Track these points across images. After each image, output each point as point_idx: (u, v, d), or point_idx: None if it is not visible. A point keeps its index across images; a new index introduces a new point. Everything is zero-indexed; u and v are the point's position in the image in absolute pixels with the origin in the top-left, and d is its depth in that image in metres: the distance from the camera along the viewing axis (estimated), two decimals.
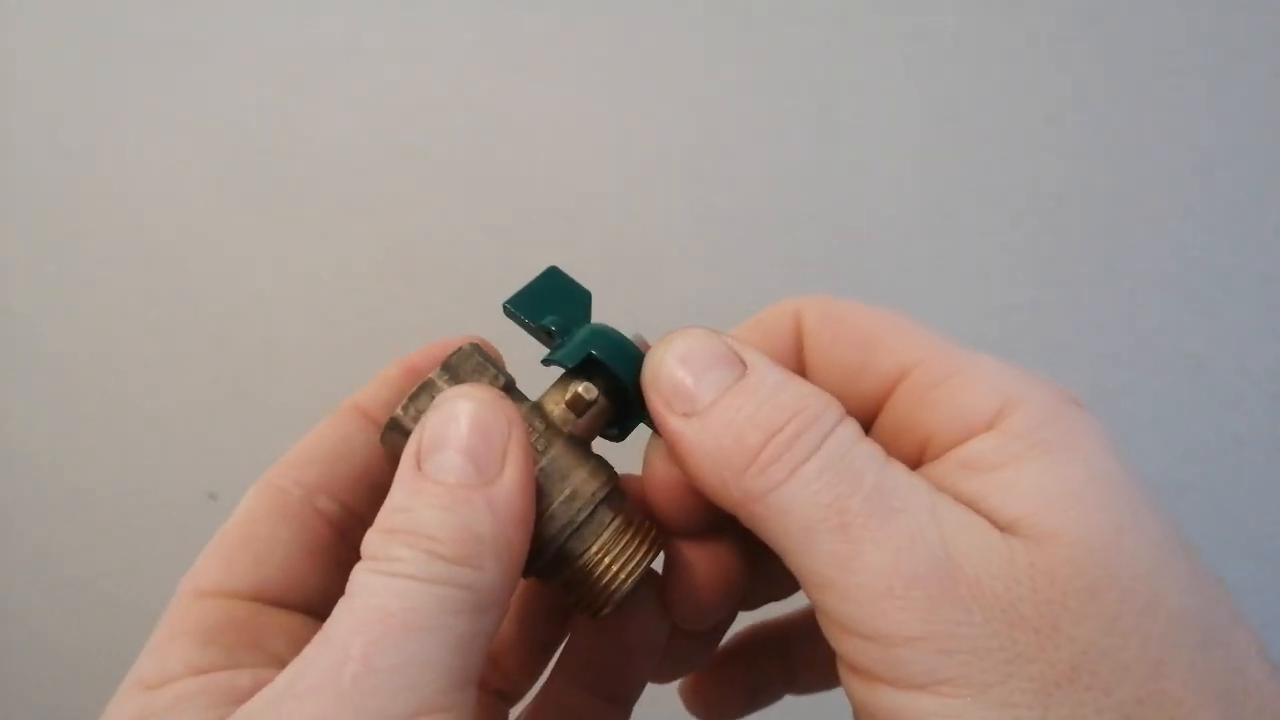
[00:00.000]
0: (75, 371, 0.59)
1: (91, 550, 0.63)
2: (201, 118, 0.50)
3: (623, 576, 0.23)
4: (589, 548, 0.22)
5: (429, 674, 0.17)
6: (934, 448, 0.20)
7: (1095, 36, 0.40)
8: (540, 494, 0.22)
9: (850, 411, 0.20)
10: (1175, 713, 0.16)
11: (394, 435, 0.22)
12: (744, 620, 0.28)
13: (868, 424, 0.21)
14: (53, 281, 0.57)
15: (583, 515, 0.22)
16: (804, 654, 0.28)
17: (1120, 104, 0.40)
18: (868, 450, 0.18)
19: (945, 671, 0.16)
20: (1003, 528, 0.17)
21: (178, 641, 0.19)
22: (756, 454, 0.19)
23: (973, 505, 0.18)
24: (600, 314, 0.24)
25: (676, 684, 0.28)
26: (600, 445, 0.23)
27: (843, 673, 0.18)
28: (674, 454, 0.21)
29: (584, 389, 0.22)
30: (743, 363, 0.20)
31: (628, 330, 0.23)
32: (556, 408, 0.23)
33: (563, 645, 0.26)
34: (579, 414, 0.23)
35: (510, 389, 0.22)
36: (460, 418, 0.19)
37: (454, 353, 0.22)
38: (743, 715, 0.29)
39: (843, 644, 0.18)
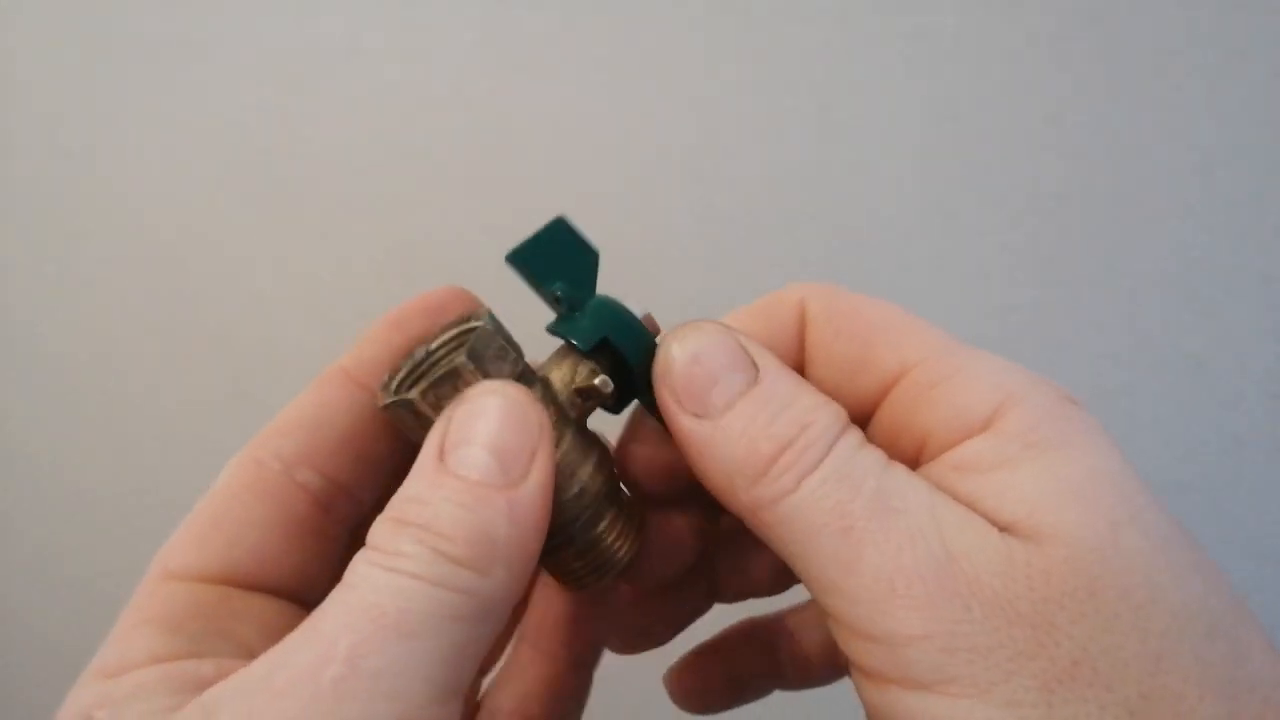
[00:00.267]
0: (75, 371, 0.59)
1: (91, 550, 0.63)
2: (201, 118, 0.51)
3: (618, 558, 0.23)
4: (589, 537, 0.22)
5: (414, 683, 0.16)
6: (931, 448, 0.20)
7: (1095, 36, 0.40)
8: (554, 489, 0.21)
9: (849, 406, 0.20)
10: (1178, 707, 0.16)
11: (404, 414, 0.21)
12: (730, 615, 0.28)
13: (866, 419, 0.22)
14: (53, 281, 0.57)
15: (588, 513, 0.22)
16: (790, 648, 0.28)
17: (1120, 104, 0.40)
18: (870, 456, 0.19)
19: (950, 670, 0.16)
20: (1001, 528, 0.17)
21: (141, 629, 0.18)
22: (769, 465, 0.19)
23: (970, 506, 0.18)
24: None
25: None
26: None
27: (855, 677, 0.18)
28: (682, 449, 0.20)
29: (600, 382, 0.22)
30: (755, 366, 0.20)
31: (635, 307, 0.22)
32: (565, 389, 0.22)
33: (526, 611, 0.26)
34: (586, 400, 0.22)
35: (526, 373, 0.21)
36: (491, 414, 0.19)
37: (475, 334, 0.20)
38: (728, 707, 0.28)
39: (852, 647, 0.18)
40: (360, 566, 0.17)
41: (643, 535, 0.23)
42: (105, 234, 0.55)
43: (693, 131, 0.44)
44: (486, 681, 0.26)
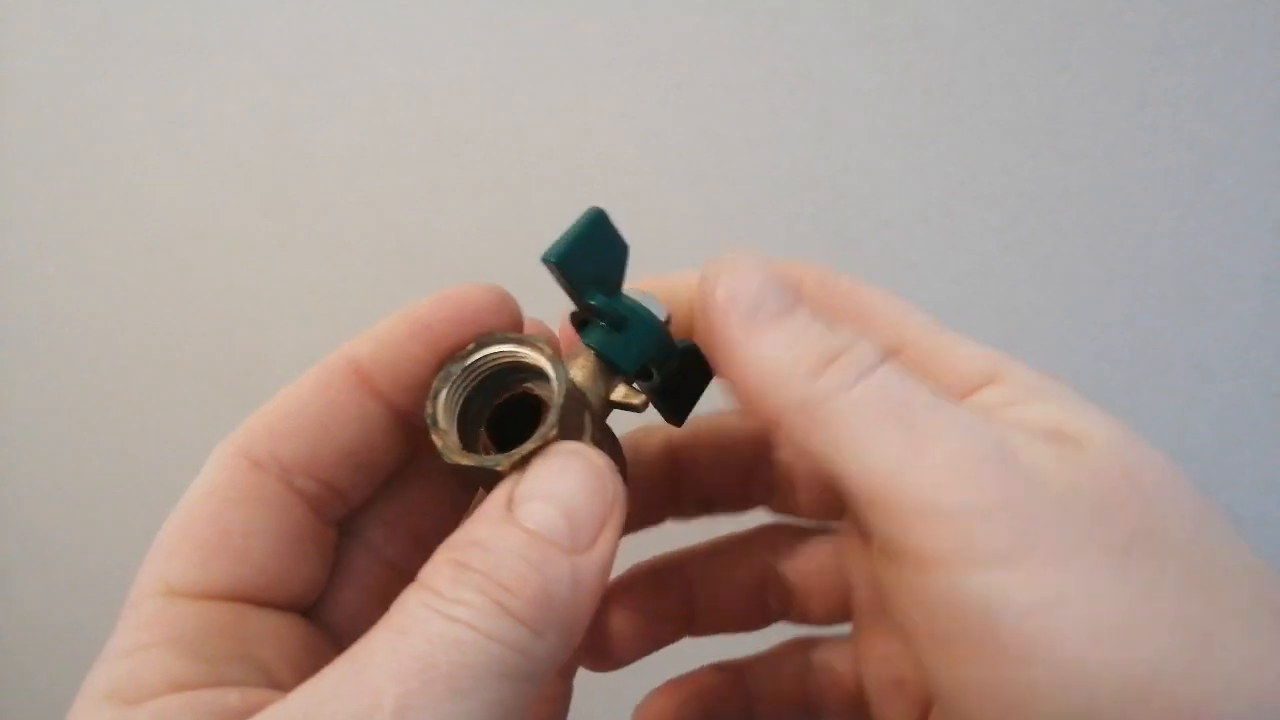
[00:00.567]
0: (75, 371, 0.59)
1: (91, 550, 0.63)
2: (201, 117, 0.50)
3: None
4: None
5: None
6: None
7: (1095, 36, 0.40)
8: None
9: None
10: (1220, 567, 0.17)
11: (464, 467, 0.19)
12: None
13: None
14: (53, 281, 0.57)
15: None
16: (706, 589, 0.27)
17: (1120, 104, 0.40)
18: (918, 376, 0.19)
19: (1029, 542, 0.17)
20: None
21: (155, 650, 0.17)
22: (827, 362, 0.19)
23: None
24: None
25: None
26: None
27: (906, 580, 0.18)
28: (725, 349, 0.20)
29: (640, 402, 0.21)
30: (798, 294, 0.20)
31: (657, 308, 0.22)
32: (597, 396, 0.21)
33: None
34: (618, 409, 0.22)
35: (583, 408, 0.21)
36: (570, 476, 0.18)
37: (564, 403, 0.19)
38: (631, 658, 0.27)
39: (915, 533, 0.17)
40: (415, 608, 0.16)
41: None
42: (105, 234, 0.55)
43: (693, 131, 0.44)
44: None
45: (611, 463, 0.19)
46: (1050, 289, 0.43)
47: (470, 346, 0.21)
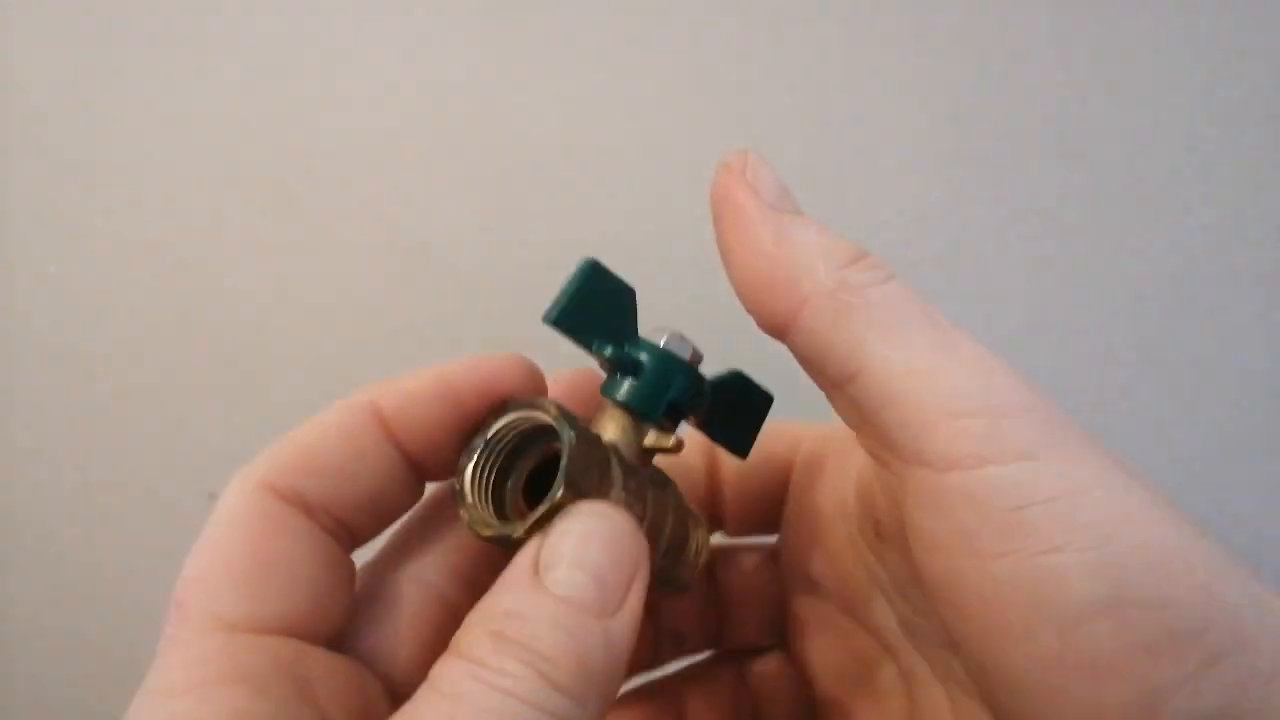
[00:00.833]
0: (75, 371, 0.59)
1: (91, 550, 0.63)
2: (200, 116, 0.50)
3: (693, 576, 0.23)
4: (672, 578, 0.23)
5: None
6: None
7: (1095, 36, 0.40)
8: None
9: None
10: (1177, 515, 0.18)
11: (487, 538, 0.20)
12: None
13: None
14: (53, 281, 0.57)
15: (672, 559, 0.22)
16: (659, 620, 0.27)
17: (1120, 104, 0.40)
18: None
19: (1050, 440, 0.17)
20: None
21: (220, 686, 0.17)
22: (856, 257, 0.19)
23: None
24: None
25: None
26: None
27: (929, 481, 0.18)
28: (748, 247, 0.20)
29: (674, 444, 0.21)
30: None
31: (678, 344, 0.22)
32: (631, 448, 0.21)
33: None
34: (655, 455, 0.22)
35: (607, 462, 0.21)
36: (596, 540, 0.18)
37: (568, 461, 0.19)
38: None
39: (943, 431, 0.18)
40: (462, 680, 0.16)
41: (708, 545, 0.24)
42: (105, 234, 0.55)
43: (693, 131, 0.44)
44: None
45: (633, 520, 0.19)
46: (1050, 289, 0.43)
47: (488, 418, 0.21)
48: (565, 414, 0.20)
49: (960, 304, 0.44)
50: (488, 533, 0.20)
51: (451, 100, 0.47)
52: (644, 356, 0.21)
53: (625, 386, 0.21)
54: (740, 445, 0.24)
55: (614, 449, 0.21)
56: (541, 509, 0.19)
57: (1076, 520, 0.17)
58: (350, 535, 0.21)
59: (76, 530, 0.63)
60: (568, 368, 0.23)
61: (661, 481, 0.23)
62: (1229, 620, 0.16)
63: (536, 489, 0.22)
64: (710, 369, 0.23)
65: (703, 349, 0.23)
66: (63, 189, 0.54)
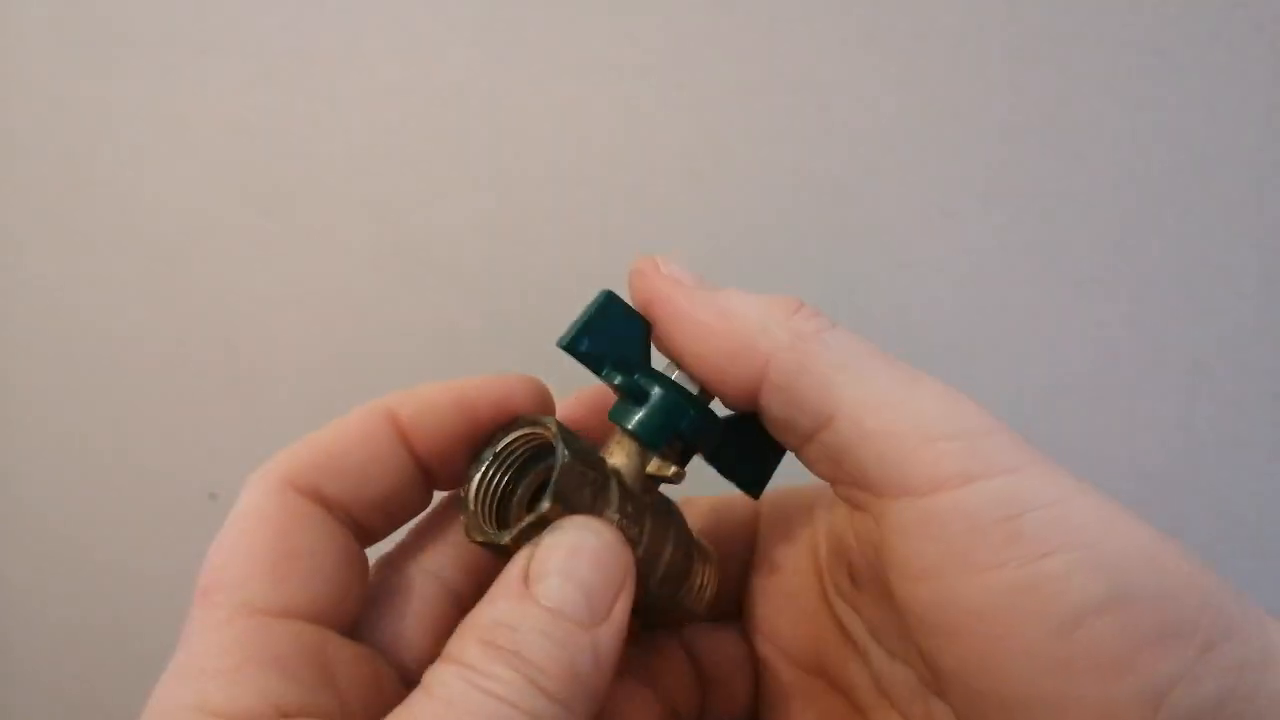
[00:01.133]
0: (74, 371, 0.59)
1: (90, 549, 0.63)
2: (199, 116, 0.51)
3: (700, 607, 0.24)
4: (674, 601, 0.23)
5: None
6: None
7: (1095, 36, 0.40)
8: (641, 579, 0.22)
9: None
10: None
11: (480, 543, 0.21)
12: None
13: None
14: (53, 281, 0.57)
15: (670, 587, 0.23)
16: (618, 707, 0.26)
17: (1120, 104, 0.40)
18: None
19: (1027, 457, 0.18)
20: None
21: (249, 669, 0.17)
22: (797, 307, 0.20)
23: None
24: None
25: None
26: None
27: (913, 510, 0.18)
28: (694, 321, 0.21)
29: (674, 474, 0.22)
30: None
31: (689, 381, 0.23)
32: (635, 476, 0.22)
33: None
34: (658, 483, 0.22)
35: (601, 483, 0.21)
36: (584, 552, 0.19)
37: (558, 473, 0.20)
38: None
39: (922, 457, 0.18)
40: (454, 682, 0.17)
41: (718, 572, 0.24)
42: (105, 233, 0.55)
43: (693, 131, 0.44)
44: None
45: (619, 534, 0.20)
46: (1050, 289, 0.43)
47: (498, 433, 0.22)
48: (565, 434, 0.21)
49: (959, 305, 0.44)
50: (479, 538, 0.21)
51: (452, 100, 0.47)
52: (652, 388, 0.22)
53: (632, 415, 0.22)
54: (752, 484, 0.24)
55: (616, 473, 0.22)
56: (528, 520, 0.20)
57: (1069, 523, 0.17)
58: (364, 533, 0.22)
59: (77, 530, 0.63)
60: (589, 385, 0.24)
61: (665, 510, 0.23)
62: (1218, 610, 0.17)
63: (539, 503, 0.22)
64: None
65: None
66: (63, 189, 0.54)
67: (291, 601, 0.19)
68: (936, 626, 0.18)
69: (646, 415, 0.22)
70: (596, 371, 0.22)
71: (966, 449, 0.18)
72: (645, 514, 0.22)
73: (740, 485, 0.24)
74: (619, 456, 0.22)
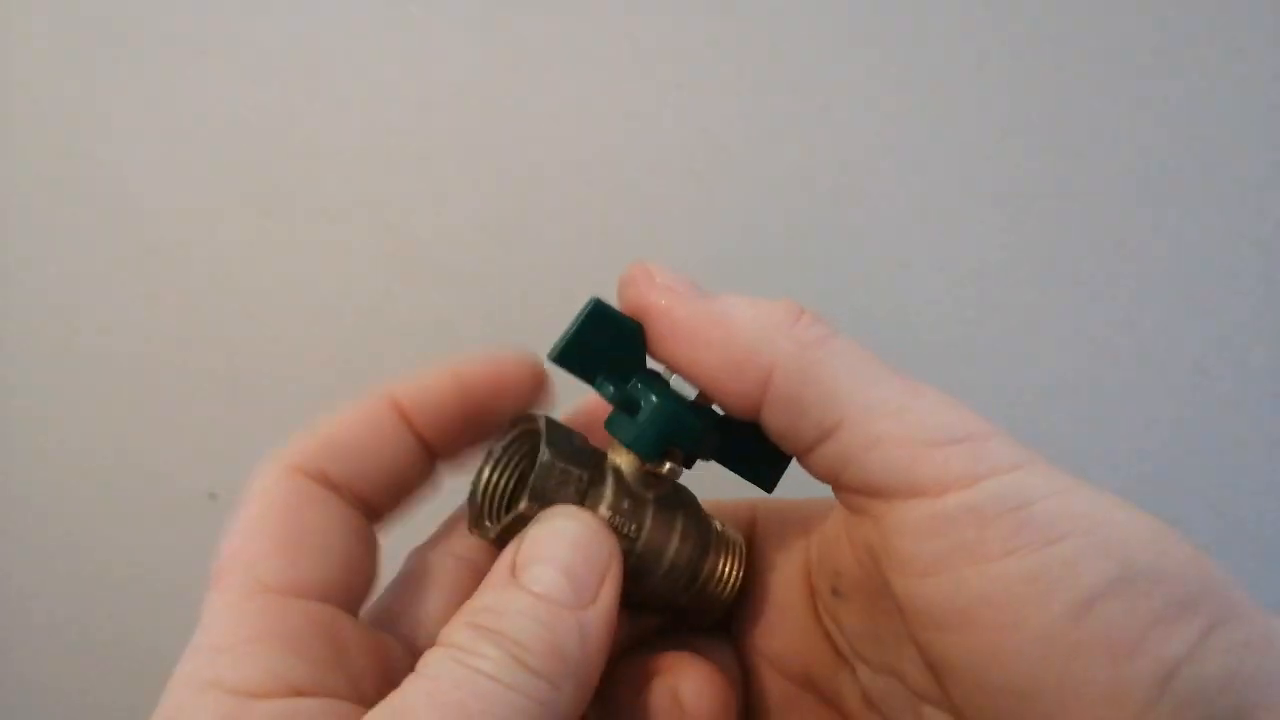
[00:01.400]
0: (74, 371, 0.59)
1: (91, 549, 0.63)
2: (199, 116, 0.51)
3: (724, 597, 0.24)
4: (692, 593, 0.23)
5: None
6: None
7: (1095, 36, 0.40)
8: (642, 574, 0.22)
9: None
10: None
11: (479, 534, 0.22)
12: None
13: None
14: (54, 281, 0.57)
15: (683, 581, 0.23)
16: None
17: (1120, 104, 0.40)
18: None
19: (1029, 456, 0.19)
20: None
21: (261, 645, 0.18)
22: (796, 312, 0.20)
23: None
24: None
25: None
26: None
27: (922, 512, 0.19)
28: (695, 332, 0.21)
29: (669, 470, 0.22)
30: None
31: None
32: (635, 474, 0.22)
33: None
34: (659, 480, 0.22)
35: (591, 480, 0.21)
36: (565, 538, 0.19)
37: (536, 472, 0.21)
38: None
39: (929, 460, 0.19)
40: (442, 662, 0.17)
41: (744, 561, 0.24)
42: (105, 233, 0.55)
43: (692, 131, 0.44)
44: None
45: (601, 520, 0.20)
46: (1050, 289, 0.43)
47: (508, 426, 0.23)
48: (553, 433, 0.21)
49: (959, 305, 0.44)
50: (474, 530, 0.22)
51: (452, 101, 0.47)
52: (647, 397, 0.22)
53: (626, 428, 0.22)
54: (764, 479, 0.24)
55: (615, 469, 0.22)
56: (508, 518, 0.21)
57: (1075, 510, 0.18)
58: (372, 511, 0.22)
59: (77, 530, 0.63)
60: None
61: (675, 503, 0.23)
62: (1219, 589, 0.17)
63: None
64: None
65: None
66: (63, 189, 0.54)
67: (302, 579, 0.19)
68: (945, 621, 0.19)
69: (640, 430, 0.21)
70: (589, 382, 0.22)
71: (973, 451, 0.18)
72: (645, 509, 0.22)
73: (752, 481, 0.24)
74: (619, 453, 0.22)
